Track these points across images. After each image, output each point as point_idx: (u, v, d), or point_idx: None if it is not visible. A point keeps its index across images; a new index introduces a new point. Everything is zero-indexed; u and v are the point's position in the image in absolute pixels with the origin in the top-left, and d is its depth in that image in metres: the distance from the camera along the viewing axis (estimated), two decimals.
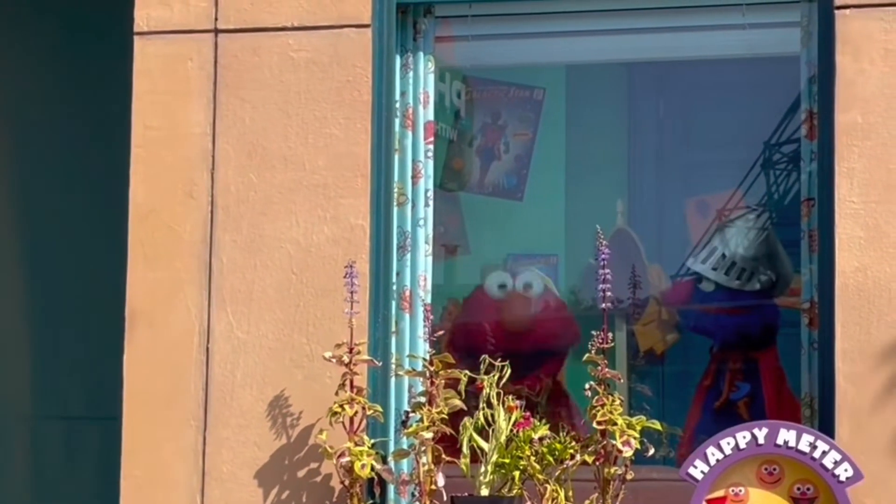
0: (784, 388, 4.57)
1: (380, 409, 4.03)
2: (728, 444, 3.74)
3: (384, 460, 4.07)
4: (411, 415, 4.02)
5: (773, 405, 4.59)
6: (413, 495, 4.06)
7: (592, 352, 3.85)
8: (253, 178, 4.22)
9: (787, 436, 3.72)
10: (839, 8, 3.98)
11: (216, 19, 4.24)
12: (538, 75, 4.86)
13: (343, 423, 3.97)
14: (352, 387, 3.98)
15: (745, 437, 3.74)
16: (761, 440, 3.73)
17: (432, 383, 3.95)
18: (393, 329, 4.22)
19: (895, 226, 3.92)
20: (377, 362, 4.08)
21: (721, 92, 4.86)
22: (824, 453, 3.70)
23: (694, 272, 4.72)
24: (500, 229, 4.93)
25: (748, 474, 3.75)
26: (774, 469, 3.75)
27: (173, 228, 4.22)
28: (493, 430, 3.90)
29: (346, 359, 3.99)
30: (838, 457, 3.70)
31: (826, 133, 4.02)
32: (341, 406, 3.94)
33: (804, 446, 3.71)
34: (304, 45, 4.21)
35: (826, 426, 3.91)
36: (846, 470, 3.69)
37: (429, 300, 4.27)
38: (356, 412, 3.96)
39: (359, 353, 4.01)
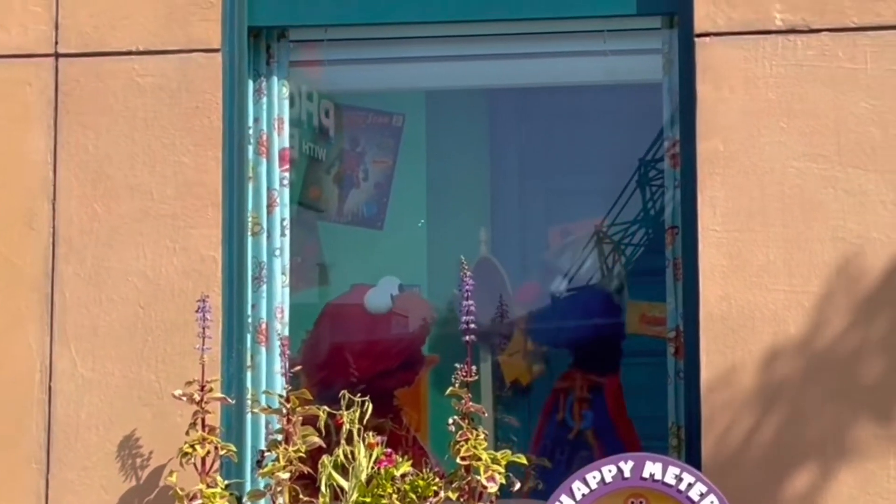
0: (624, 415, 4.54)
1: (233, 448, 3.91)
2: (594, 478, 3.69)
3: (239, 501, 3.93)
4: (267, 454, 3.88)
5: (616, 433, 4.56)
6: None
7: (456, 385, 3.76)
8: (97, 209, 4.06)
9: (652, 468, 3.68)
10: (699, 36, 3.97)
11: (56, 42, 4.12)
12: (398, 101, 4.81)
13: (195, 463, 3.85)
14: (203, 426, 3.86)
15: (610, 471, 3.69)
16: (627, 473, 3.69)
17: (289, 421, 3.84)
18: (248, 364, 4.11)
19: (757, 254, 3.92)
20: (230, 400, 3.96)
21: (583, 119, 4.84)
22: (690, 486, 3.68)
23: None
24: (361, 259, 4.83)
25: None
26: (641, 502, 3.70)
27: (12, 261, 4.07)
28: (353, 468, 3.78)
29: (197, 397, 3.85)
30: (704, 489, 3.67)
31: (688, 161, 4.01)
32: (192, 446, 3.84)
33: (670, 479, 3.68)
34: (151, 70, 4.08)
35: (693, 456, 3.90)
36: (712, 502, 3.67)
37: (286, 333, 4.15)
38: (208, 452, 3.85)
39: (211, 390, 3.89)
